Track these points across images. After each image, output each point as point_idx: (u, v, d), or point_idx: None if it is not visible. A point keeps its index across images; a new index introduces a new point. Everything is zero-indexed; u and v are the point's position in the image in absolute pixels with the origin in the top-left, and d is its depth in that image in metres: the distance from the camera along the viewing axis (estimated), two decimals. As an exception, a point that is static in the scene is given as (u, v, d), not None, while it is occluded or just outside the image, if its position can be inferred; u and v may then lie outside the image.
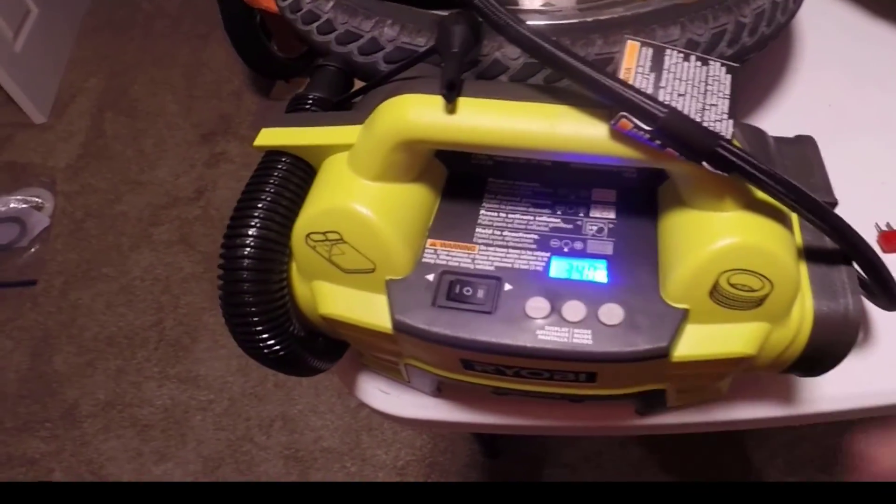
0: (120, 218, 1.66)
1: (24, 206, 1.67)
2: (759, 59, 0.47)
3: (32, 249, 1.60)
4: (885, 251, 0.48)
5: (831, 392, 0.43)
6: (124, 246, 1.61)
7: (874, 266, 0.31)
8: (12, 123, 1.86)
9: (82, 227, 1.65)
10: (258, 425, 1.33)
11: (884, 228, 0.48)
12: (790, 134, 0.38)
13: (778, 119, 0.56)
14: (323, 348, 0.38)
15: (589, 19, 0.43)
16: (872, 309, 0.35)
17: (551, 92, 0.29)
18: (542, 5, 0.47)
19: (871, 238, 0.48)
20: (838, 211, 0.35)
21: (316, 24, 0.45)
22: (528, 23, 0.43)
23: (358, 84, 0.41)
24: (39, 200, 1.69)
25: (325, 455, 1.29)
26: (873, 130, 0.55)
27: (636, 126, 0.26)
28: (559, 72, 0.27)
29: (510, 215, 0.35)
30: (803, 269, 0.33)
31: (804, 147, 0.37)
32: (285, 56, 1.74)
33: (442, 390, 0.44)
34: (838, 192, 0.40)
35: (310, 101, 0.37)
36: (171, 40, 2.07)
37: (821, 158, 0.37)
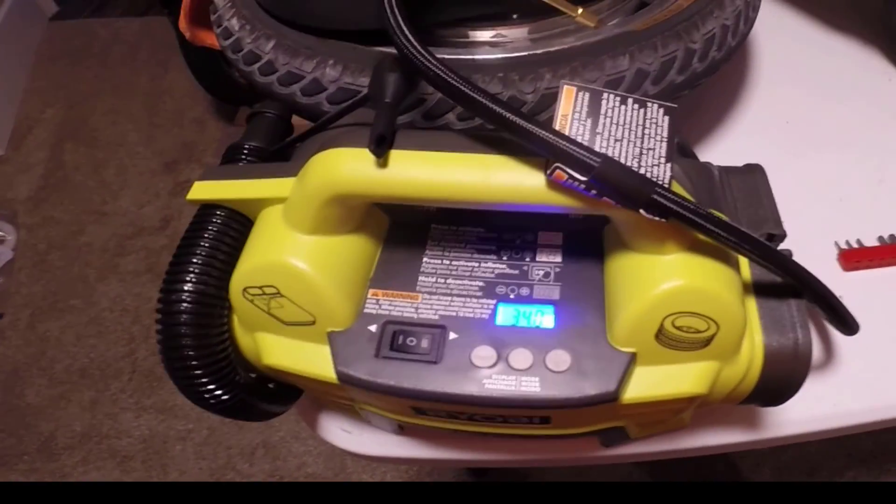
0: (84, 249, 1.63)
1: (-16, 239, 1.63)
2: (713, 81, 0.47)
3: (-4, 283, 1.56)
4: (845, 269, 0.48)
5: (795, 416, 0.43)
6: (91, 277, 1.57)
7: (825, 299, 0.31)
8: (-31, 157, 1.82)
9: (46, 258, 1.61)
10: (240, 454, 1.31)
11: (843, 247, 0.48)
12: (747, 154, 0.38)
13: (735, 138, 0.56)
14: (275, 392, 0.38)
15: (539, 51, 0.43)
16: (833, 330, 0.35)
17: (489, 141, 0.29)
18: (493, 37, 0.47)
19: (830, 256, 0.48)
20: (796, 232, 0.35)
21: (258, 65, 0.45)
22: (479, 56, 0.43)
23: (298, 129, 0.40)
24: (1, 234, 1.65)
25: (309, 481, 1.27)
26: (832, 145, 0.55)
27: (571, 177, 0.26)
28: (491, 123, 0.26)
29: (454, 262, 0.34)
30: (752, 304, 0.33)
31: (753, 177, 0.37)
32: (242, 80, 1.72)
33: (404, 428, 0.44)
34: (797, 209, 0.40)
35: (245, 151, 0.36)
36: (130, 68, 2.05)
37: (769, 188, 0.36)
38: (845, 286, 0.45)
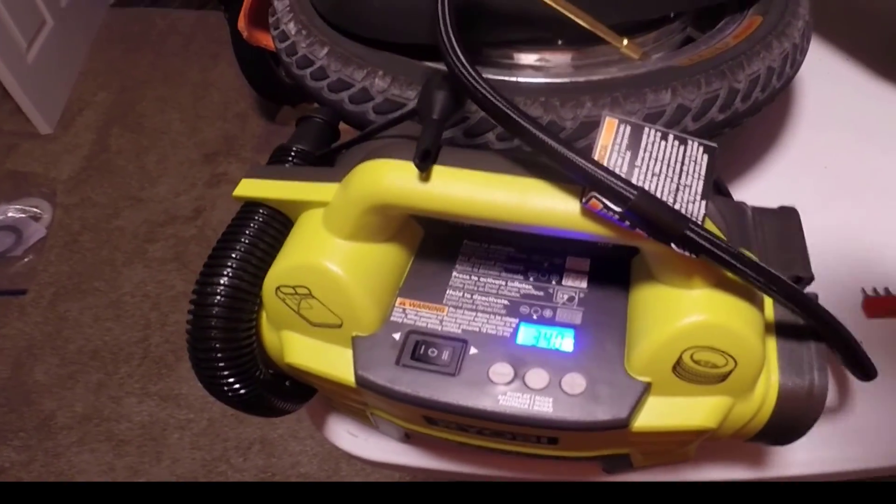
0: (116, 233, 1.66)
1: (21, 215, 1.68)
2: (754, 120, 0.47)
3: (26, 259, 1.60)
4: (868, 316, 0.47)
5: (802, 457, 0.42)
6: (118, 261, 1.60)
7: (847, 345, 0.31)
8: (19, 133, 1.88)
9: (78, 239, 1.65)
10: (236, 447, 1.32)
11: (869, 293, 0.48)
12: (782, 196, 0.38)
13: (772, 179, 0.56)
14: (290, 391, 0.38)
15: (581, 79, 0.43)
16: (848, 374, 0.35)
17: (528, 164, 0.29)
18: (537, 61, 0.48)
19: (855, 302, 0.48)
20: (824, 274, 0.34)
21: (310, 70, 0.46)
22: (522, 79, 0.44)
23: (344, 135, 0.41)
24: (38, 211, 1.69)
25: (301, 480, 1.27)
26: (868, 192, 0.55)
27: (606, 206, 0.26)
28: (533, 147, 0.27)
29: (482, 279, 0.35)
30: (772, 343, 0.33)
31: (786, 219, 0.37)
32: (292, 82, 1.75)
33: (410, 437, 0.44)
34: (827, 255, 0.40)
35: (293, 154, 0.37)
36: (182, 58, 2.10)
37: (802, 231, 0.36)
38: (867, 332, 0.45)
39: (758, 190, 0.55)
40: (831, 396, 0.43)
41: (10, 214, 1.67)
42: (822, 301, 0.30)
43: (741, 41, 0.46)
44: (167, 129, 1.89)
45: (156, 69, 2.07)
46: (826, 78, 0.65)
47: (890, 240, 0.52)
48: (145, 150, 1.84)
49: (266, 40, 0.58)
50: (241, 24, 0.60)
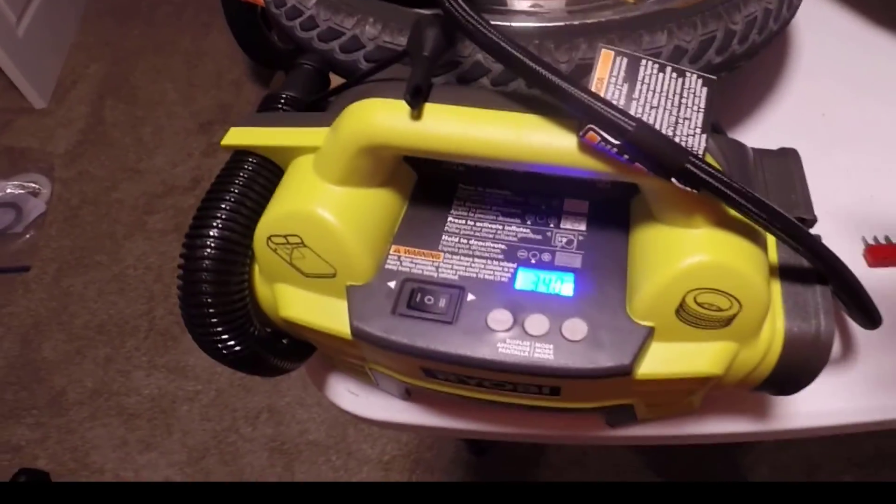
0: (115, 205, 1.65)
1: (20, 191, 1.67)
2: (751, 66, 0.46)
3: (27, 235, 1.60)
4: (870, 265, 0.47)
5: (806, 409, 0.42)
6: (118, 234, 1.60)
7: (852, 287, 0.30)
8: (12, 108, 1.86)
9: (78, 213, 1.64)
10: (244, 417, 1.33)
11: (871, 242, 0.47)
12: (779, 144, 0.37)
13: (769, 127, 0.55)
14: (288, 349, 0.38)
15: (576, 22, 0.42)
16: (853, 324, 0.34)
17: (523, 100, 0.28)
18: (531, 6, 0.47)
19: (857, 251, 0.47)
20: (825, 223, 0.34)
21: (299, 20, 0.45)
22: (515, 24, 0.42)
23: (335, 83, 0.40)
24: (36, 186, 1.68)
25: (310, 448, 1.28)
26: (866, 142, 0.54)
27: (604, 139, 0.25)
28: (528, 80, 0.26)
29: (478, 223, 0.34)
30: (776, 287, 0.32)
31: (787, 161, 0.36)
32: (285, 47, 1.73)
33: (411, 394, 0.44)
34: (826, 203, 0.39)
35: (282, 101, 0.36)
36: (174, 28, 2.07)
37: (803, 173, 0.36)
38: (869, 282, 0.45)
39: (754, 137, 0.54)
40: (835, 347, 0.42)
41: (8, 191, 1.66)
42: None
43: (738, -18, 0.44)
44: (161, 100, 1.87)
45: (147, 39, 2.04)
46: (822, 25, 0.64)
47: (889, 188, 0.51)
48: (140, 122, 1.82)
49: (254, -5, 0.56)
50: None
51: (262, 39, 1.66)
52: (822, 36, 0.62)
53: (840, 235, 0.48)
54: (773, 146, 0.38)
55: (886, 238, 0.47)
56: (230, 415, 1.33)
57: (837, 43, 0.62)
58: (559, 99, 0.25)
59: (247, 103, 1.84)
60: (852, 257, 0.47)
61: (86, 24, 2.10)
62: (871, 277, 0.46)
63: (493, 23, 0.42)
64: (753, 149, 0.36)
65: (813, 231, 0.34)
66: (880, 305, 0.32)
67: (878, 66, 0.60)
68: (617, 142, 0.26)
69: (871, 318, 0.31)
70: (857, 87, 0.58)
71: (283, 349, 0.37)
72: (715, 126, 0.40)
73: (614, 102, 0.27)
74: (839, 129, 0.55)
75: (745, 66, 0.46)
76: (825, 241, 0.33)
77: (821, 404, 0.42)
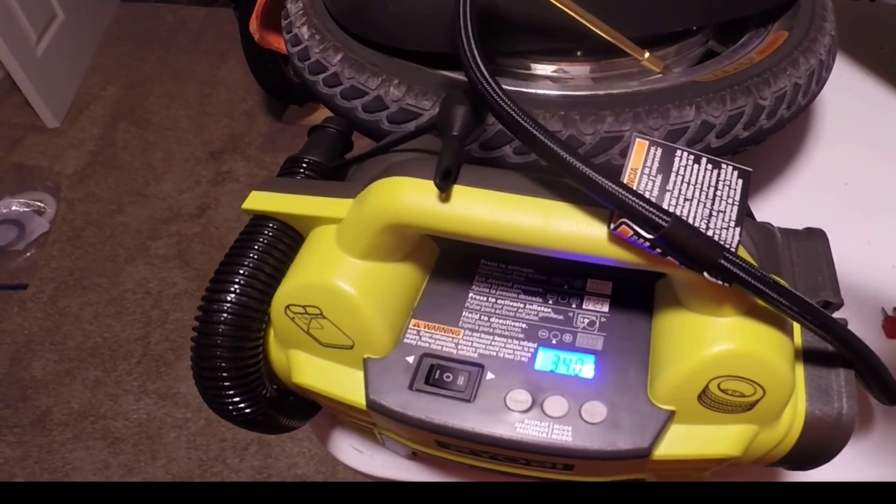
0: (119, 229, 1.65)
1: (25, 209, 1.67)
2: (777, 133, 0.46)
3: (28, 253, 1.60)
4: (888, 336, 0.47)
5: (816, 477, 0.41)
6: (120, 257, 1.60)
7: (878, 374, 0.29)
8: (25, 126, 1.87)
9: (81, 234, 1.64)
10: (233, 447, 1.31)
11: (890, 314, 0.47)
12: (802, 212, 0.37)
13: (792, 196, 0.55)
14: (295, 406, 0.37)
15: (601, 93, 0.42)
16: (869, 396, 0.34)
17: (553, 185, 0.28)
18: (554, 72, 0.47)
19: (875, 321, 0.47)
20: (845, 294, 0.34)
21: (322, 76, 0.45)
22: (539, 91, 0.42)
23: (358, 143, 0.40)
24: (42, 205, 1.69)
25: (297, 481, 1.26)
26: (889, 211, 0.54)
27: (636, 233, 0.25)
28: (561, 171, 0.25)
29: (500, 301, 0.34)
30: (800, 370, 0.32)
31: (814, 242, 0.36)
32: (300, 81, 1.74)
33: (417, 455, 0.43)
34: (848, 274, 0.39)
35: (304, 165, 0.36)
36: (191, 55, 2.09)
37: (830, 254, 0.35)
38: (886, 353, 0.45)
39: (777, 206, 0.55)
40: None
41: (13, 208, 1.66)
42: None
43: (766, 56, 0.45)
44: (174, 126, 1.88)
45: (164, 65, 2.07)
46: (846, 92, 0.64)
47: (911, 259, 0.51)
48: (151, 146, 1.83)
49: (278, 43, 0.57)
50: (253, 26, 0.59)
51: (278, 72, 1.68)
52: (846, 102, 0.63)
53: (859, 305, 0.48)
54: (796, 215, 0.38)
55: (905, 310, 0.47)
56: (218, 444, 1.31)
57: (862, 110, 0.62)
58: (593, 192, 0.25)
59: (258, 134, 1.85)
60: (870, 328, 0.47)
61: (104, 47, 2.13)
62: (888, 348, 0.46)
63: (517, 88, 0.43)
64: (781, 230, 0.36)
65: (838, 313, 0.34)
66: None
67: (901, 134, 0.60)
68: (650, 236, 0.25)
69: (891, 397, 0.31)
70: (881, 155, 0.58)
71: (290, 407, 0.37)
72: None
73: (647, 194, 0.27)
74: (862, 197, 0.55)
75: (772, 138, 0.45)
76: (844, 310, 0.33)
77: (832, 474, 0.41)
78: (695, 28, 0.49)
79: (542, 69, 0.47)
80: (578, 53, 0.46)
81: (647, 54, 0.44)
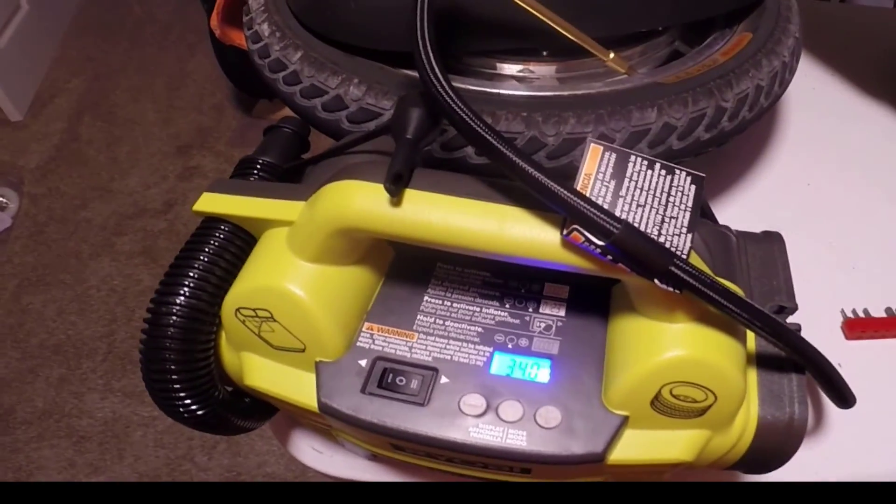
0: (83, 224, 1.62)
1: (-14, 204, 1.63)
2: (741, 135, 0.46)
3: (-11, 249, 1.56)
4: (847, 338, 0.47)
5: (774, 481, 0.41)
6: (84, 253, 1.56)
7: (829, 378, 0.30)
8: (-14, 119, 1.83)
9: (44, 230, 1.60)
10: (201, 446, 1.29)
11: (849, 315, 0.48)
12: (764, 213, 0.37)
13: (754, 197, 0.56)
14: (251, 408, 0.37)
15: (565, 93, 0.42)
16: (824, 398, 0.35)
17: (506, 190, 0.28)
18: (520, 72, 0.46)
19: (835, 323, 0.48)
20: (804, 295, 0.34)
21: (282, 74, 0.44)
22: (504, 91, 0.42)
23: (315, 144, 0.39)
24: (4, 200, 1.64)
25: (267, 480, 1.25)
26: (850, 212, 0.55)
27: (588, 239, 0.25)
28: (513, 176, 0.25)
29: (455, 304, 0.34)
30: (752, 375, 0.32)
31: (771, 245, 0.37)
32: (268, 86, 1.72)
33: (377, 456, 0.43)
34: (808, 274, 0.39)
35: (258, 166, 0.35)
36: (158, 48, 2.05)
37: (786, 258, 0.36)
38: (846, 354, 0.45)
39: (740, 208, 0.55)
40: (808, 420, 0.43)
41: (-26, 203, 1.62)
42: (800, 320, 0.29)
43: (730, 58, 0.45)
44: (140, 120, 1.85)
45: (131, 58, 2.02)
46: (811, 94, 0.64)
47: (871, 261, 0.52)
48: (117, 141, 1.80)
49: (240, 39, 0.56)
50: (214, 21, 0.58)
51: (246, 67, 1.65)
52: (810, 105, 0.63)
53: (819, 307, 0.48)
54: (759, 215, 0.38)
55: (865, 311, 0.48)
56: (186, 443, 1.29)
57: (826, 112, 0.63)
58: (545, 198, 0.25)
59: (227, 129, 1.82)
60: (830, 330, 0.48)
61: (69, 39, 2.08)
62: (847, 350, 0.47)
63: (481, 88, 0.43)
64: (738, 233, 0.36)
65: (794, 316, 0.34)
66: (855, 377, 0.32)
67: (863, 137, 0.61)
68: (601, 243, 0.25)
69: (845, 400, 0.31)
70: (844, 157, 0.59)
71: (245, 409, 0.36)
72: (702, 207, 0.40)
73: (600, 200, 0.26)
74: (824, 199, 0.56)
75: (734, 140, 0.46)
76: (803, 312, 0.33)
77: (790, 476, 0.41)
78: (660, 29, 0.49)
79: (508, 69, 0.46)
80: (544, 53, 0.46)
81: (611, 55, 0.44)
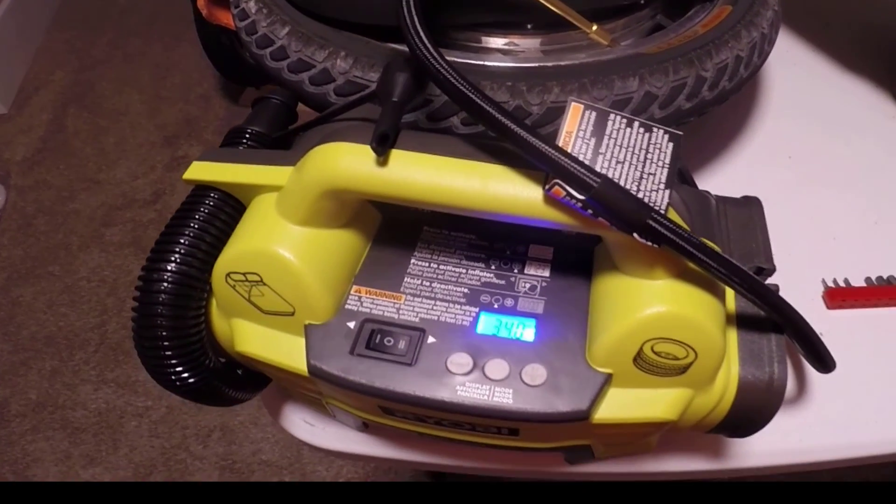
0: (72, 216, 1.61)
1: (-27, 197, 1.62)
2: (721, 107, 0.47)
3: (-24, 243, 1.55)
4: (828, 307, 0.48)
5: (761, 448, 0.43)
6: (73, 245, 1.56)
7: (807, 337, 0.31)
8: (-30, 112, 1.81)
9: (32, 222, 1.60)
10: (195, 434, 1.29)
11: (830, 285, 0.48)
12: (746, 184, 0.38)
13: (736, 168, 0.56)
14: (243, 379, 0.37)
15: (549, 64, 0.43)
16: (809, 366, 0.36)
17: (491, 150, 0.28)
18: (505, 45, 0.47)
19: (816, 293, 0.48)
20: (786, 265, 0.35)
21: (269, 50, 0.44)
22: (489, 63, 0.43)
23: (302, 116, 0.40)
24: (-10, 193, 1.63)
25: (262, 468, 1.25)
26: (832, 183, 0.55)
27: (569, 194, 0.26)
28: (496, 133, 0.26)
29: (442, 266, 0.34)
30: (732, 335, 0.33)
31: (750, 209, 0.37)
32: (249, 56, 1.71)
33: (368, 426, 0.43)
34: (789, 243, 0.40)
35: (247, 136, 0.35)
36: (144, 38, 2.04)
37: (765, 222, 0.36)
38: (827, 323, 0.46)
39: (722, 178, 0.56)
40: (791, 388, 0.43)
41: (-40, 196, 1.61)
42: (783, 291, 0.30)
43: (710, 29, 0.46)
44: (126, 111, 1.84)
45: (116, 48, 2.01)
46: (792, 68, 0.65)
47: (851, 230, 0.52)
48: (103, 132, 1.79)
49: (227, 19, 0.56)
50: (201, 1, 0.58)
51: (233, 55, 1.65)
52: (791, 77, 0.64)
53: (801, 277, 0.48)
54: (741, 187, 0.39)
55: (846, 280, 0.49)
56: (180, 432, 1.30)
57: (805, 84, 0.63)
58: (526, 153, 0.26)
59: (214, 118, 1.81)
60: (811, 299, 0.48)
61: (53, 30, 2.06)
62: (828, 319, 0.47)
63: (467, 60, 0.43)
64: (717, 197, 0.37)
65: (773, 276, 0.35)
66: (836, 346, 0.33)
67: (844, 108, 0.61)
68: (581, 197, 0.26)
69: (824, 363, 0.32)
70: (825, 129, 0.59)
71: (238, 379, 0.36)
72: (682, 173, 0.41)
73: (581, 157, 0.27)
74: (806, 170, 0.56)
75: (715, 110, 0.46)
76: (785, 282, 0.34)
77: (776, 444, 0.42)
78: (643, 2, 0.49)
79: (494, 42, 0.47)
80: (529, 27, 0.46)
81: (594, 27, 0.44)
